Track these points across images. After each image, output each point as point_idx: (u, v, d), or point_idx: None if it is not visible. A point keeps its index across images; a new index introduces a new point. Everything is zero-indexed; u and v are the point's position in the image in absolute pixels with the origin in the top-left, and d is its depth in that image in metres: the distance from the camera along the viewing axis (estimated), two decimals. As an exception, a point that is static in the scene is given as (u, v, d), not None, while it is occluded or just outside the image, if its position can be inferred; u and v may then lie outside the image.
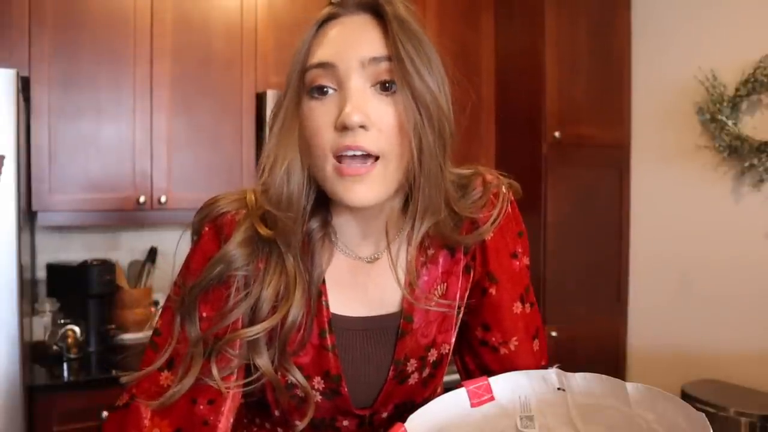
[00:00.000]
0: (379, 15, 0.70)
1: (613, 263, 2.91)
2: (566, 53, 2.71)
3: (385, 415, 0.82)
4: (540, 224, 2.69)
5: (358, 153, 0.67)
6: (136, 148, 2.22)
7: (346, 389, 0.78)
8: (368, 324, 0.80)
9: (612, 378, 0.71)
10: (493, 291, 0.83)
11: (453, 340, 0.84)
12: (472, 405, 0.75)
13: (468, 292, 0.84)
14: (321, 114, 0.69)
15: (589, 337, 2.81)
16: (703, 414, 0.61)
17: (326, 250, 0.77)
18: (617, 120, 2.88)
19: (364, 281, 0.80)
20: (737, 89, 2.45)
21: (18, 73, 1.72)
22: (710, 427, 0.59)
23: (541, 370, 0.76)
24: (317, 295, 0.76)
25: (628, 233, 2.93)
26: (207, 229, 0.77)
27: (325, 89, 0.69)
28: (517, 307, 0.84)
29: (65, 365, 2.06)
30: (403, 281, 0.78)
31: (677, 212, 2.74)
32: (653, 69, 2.83)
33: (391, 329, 0.80)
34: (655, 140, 2.83)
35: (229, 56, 2.35)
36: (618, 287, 2.93)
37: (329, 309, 0.78)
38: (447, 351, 0.83)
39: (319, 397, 0.78)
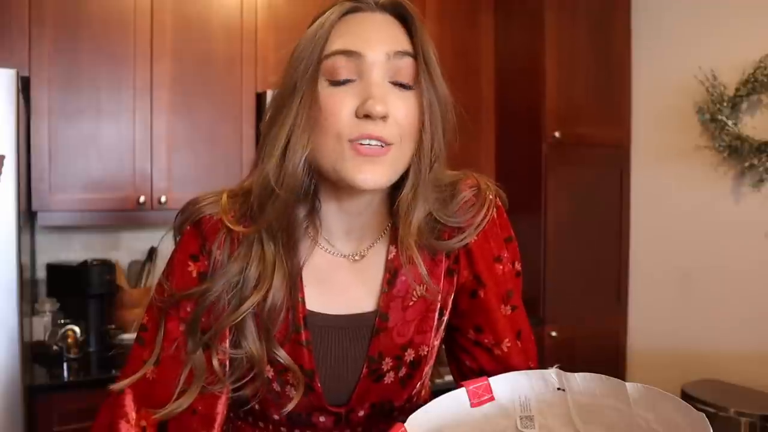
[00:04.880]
0: (398, 16, 0.74)
1: (613, 263, 2.91)
2: (566, 53, 2.71)
3: (361, 413, 0.83)
4: (540, 224, 2.69)
5: (374, 142, 0.70)
6: (136, 148, 2.22)
7: (319, 384, 0.79)
8: (345, 322, 0.81)
9: (612, 378, 0.71)
10: (482, 294, 0.84)
11: (435, 342, 0.85)
12: (472, 405, 0.75)
13: (452, 296, 0.85)
14: (340, 99, 0.70)
15: (589, 337, 2.81)
16: (703, 414, 0.60)
17: (307, 241, 0.79)
18: (617, 120, 2.88)
19: (343, 279, 0.81)
20: (737, 89, 2.45)
21: (18, 73, 1.72)
22: (710, 427, 0.59)
23: (541, 370, 0.76)
24: (294, 290, 0.78)
25: (628, 233, 2.93)
26: (188, 228, 0.79)
27: (345, 76, 0.71)
28: (504, 310, 0.85)
29: (65, 365, 2.06)
30: (383, 280, 0.81)
31: (677, 212, 2.75)
32: (653, 69, 2.83)
33: (367, 327, 0.81)
34: (655, 140, 2.83)
35: (229, 56, 2.35)
36: (618, 287, 2.93)
37: (305, 306, 0.79)
38: (426, 353, 0.84)
39: (294, 391, 0.79)
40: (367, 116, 0.69)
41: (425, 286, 0.81)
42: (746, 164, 2.45)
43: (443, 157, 0.76)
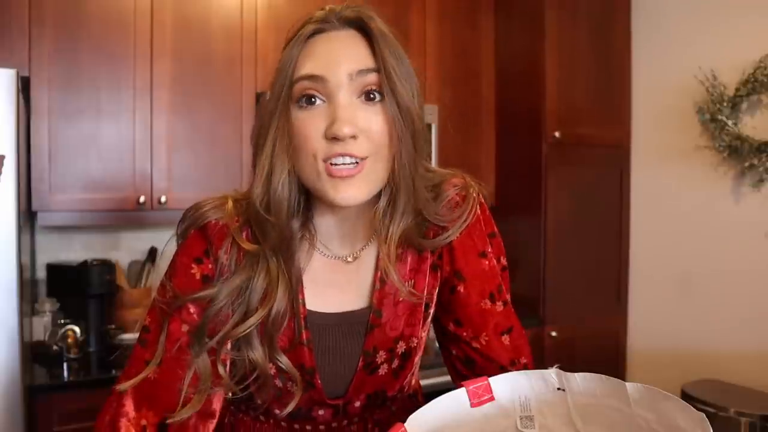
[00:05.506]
0: (362, 30, 0.76)
1: (613, 263, 2.91)
2: (566, 53, 2.71)
3: (358, 404, 0.87)
4: (540, 224, 2.69)
5: (348, 160, 0.72)
6: (136, 148, 2.22)
7: (319, 381, 0.83)
8: (341, 319, 0.84)
9: (612, 378, 0.71)
10: (461, 289, 0.86)
11: (422, 334, 0.89)
12: (472, 405, 0.75)
13: (437, 289, 0.88)
14: (310, 123, 0.73)
15: (589, 337, 2.81)
16: (703, 414, 0.61)
17: (305, 250, 0.82)
18: (617, 120, 2.88)
19: (339, 279, 0.85)
20: (737, 89, 2.46)
21: (18, 73, 1.72)
22: (710, 427, 0.59)
23: (541, 370, 0.76)
24: (296, 297, 0.81)
25: (628, 233, 2.94)
26: (193, 232, 0.81)
27: (314, 99, 0.74)
28: (486, 304, 0.86)
29: (65, 365, 2.05)
30: (374, 278, 0.85)
31: (677, 212, 2.75)
32: (653, 69, 2.83)
33: (362, 323, 0.85)
34: (655, 140, 2.83)
35: (229, 56, 2.35)
36: (618, 287, 2.93)
37: (305, 306, 0.82)
38: (415, 344, 0.88)
39: (295, 387, 0.82)
40: (336, 138, 0.71)
41: (413, 281, 0.85)
42: (746, 164, 2.45)
43: (419, 166, 0.78)
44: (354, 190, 0.73)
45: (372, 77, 0.73)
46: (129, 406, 0.78)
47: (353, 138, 0.71)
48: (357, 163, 0.72)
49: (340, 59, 0.73)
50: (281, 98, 0.74)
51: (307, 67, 0.73)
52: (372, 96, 0.74)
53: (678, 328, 2.74)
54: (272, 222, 0.75)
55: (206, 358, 0.77)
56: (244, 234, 0.79)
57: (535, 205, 2.70)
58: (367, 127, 0.73)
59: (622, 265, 2.93)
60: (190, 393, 0.77)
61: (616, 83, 2.87)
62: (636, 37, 2.89)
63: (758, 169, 2.42)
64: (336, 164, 0.72)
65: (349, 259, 0.84)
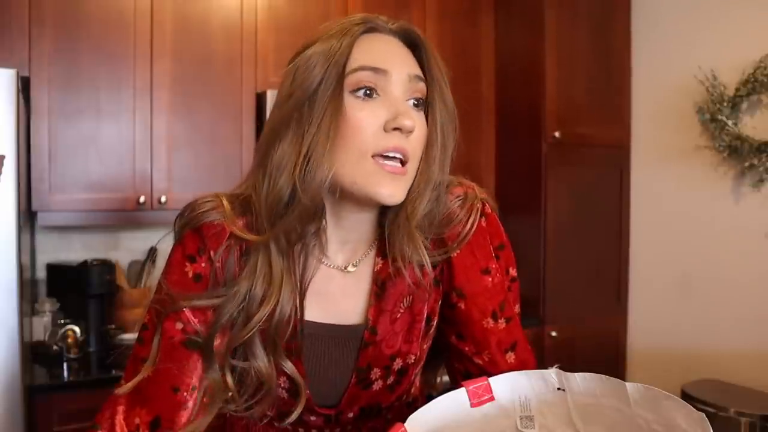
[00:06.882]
0: (408, 42, 0.78)
1: (613, 263, 2.91)
2: (566, 53, 2.71)
3: (350, 415, 0.86)
4: (540, 224, 2.69)
5: (398, 155, 0.73)
6: (136, 148, 2.22)
7: (308, 391, 0.81)
8: (335, 331, 0.82)
9: (612, 378, 0.71)
10: (462, 306, 0.82)
11: (423, 347, 0.86)
12: (472, 405, 0.75)
13: (439, 303, 0.85)
14: (367, 114, 0.73)
15: (589, 337, 2.81)
16: (703, 414, 0.61)
17: (313, 256, 0.80)
18: (617, 120, 2.88)
19: (336, 290, 0.82)
20: (737, 89, 2.46)
21: (18, 73, 1.72)
22: (710, 427, 0.59)
23: (541, 370, 0.76)
24: (300, 300, 0.79)
25: (628, 233, 2.94)
26: (188, 231, 0.80)
27: (371, 91, 0.74)
28: (488, 323, 0.82)
29: (65, 365, 2.06)
30: (370, 292, 0.82)
31: (677, 212, 2.75)
32: (653, 69, 2.83)
33: (356, 339, 0.82)
34: (655, 140, 2.83)
35: (229, 56, 2.35)
36: (618, 287, 2.93)
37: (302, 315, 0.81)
38: (413, 361, 0.85)
39: (285, 394, 0.81)
40: (397, 129, 0.72)
41: (411, 297, 0.82)
42: (746, 164, 2.45)
43: (441, 173, 0.79)
44: (398, 188, 0.74)
45: (422, 86, 0.76)
46: (124, 404, 0.77)
47: (408, 134, 0.73)
48: (403, 164, 0.73)
49: (401, 59, 0.76)
50: (330, 86, 0.72)
51: (368, 59, 0.74)
52: (416, 103, 0.76)
53: (678, 328, 2.74)
54: (294, 208, 0.73)
55: (218, 372, 0.76)
56: (251, 235, 0.77)
57: (535, 205, 2.70)
58: (416, 128, 0.75)
59: (622, 265, 2.93)
60: (201, 405, 0.77)
61: (615, 83, 2.87)
62: (636, 37, 2.89)
63: (758, 169, 2.42)
64: (385, 157, 0.72)
65: (348, 269, 0.82)
